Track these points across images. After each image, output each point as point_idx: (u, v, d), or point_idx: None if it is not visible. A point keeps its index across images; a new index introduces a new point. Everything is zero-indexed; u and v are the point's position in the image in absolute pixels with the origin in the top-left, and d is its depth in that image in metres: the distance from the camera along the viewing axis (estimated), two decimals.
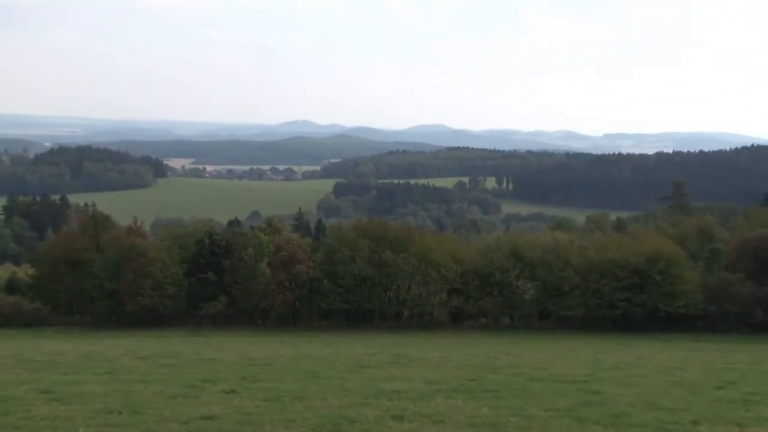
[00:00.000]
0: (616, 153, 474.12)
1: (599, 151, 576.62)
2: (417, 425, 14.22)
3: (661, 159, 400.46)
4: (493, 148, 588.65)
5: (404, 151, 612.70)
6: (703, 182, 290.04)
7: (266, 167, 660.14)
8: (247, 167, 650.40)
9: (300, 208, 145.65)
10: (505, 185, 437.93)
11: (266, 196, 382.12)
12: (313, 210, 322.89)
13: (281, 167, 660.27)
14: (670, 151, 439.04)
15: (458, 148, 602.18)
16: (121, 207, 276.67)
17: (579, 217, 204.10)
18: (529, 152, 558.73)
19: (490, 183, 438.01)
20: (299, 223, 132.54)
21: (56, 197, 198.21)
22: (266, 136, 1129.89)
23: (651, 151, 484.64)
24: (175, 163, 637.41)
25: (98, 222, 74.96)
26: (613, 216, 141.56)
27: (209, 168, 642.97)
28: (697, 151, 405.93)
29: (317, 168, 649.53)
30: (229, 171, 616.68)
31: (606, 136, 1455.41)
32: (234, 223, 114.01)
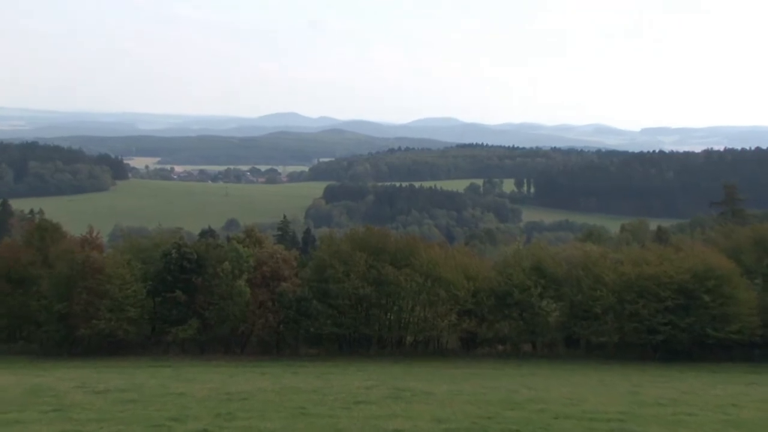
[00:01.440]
0: (657, 151, 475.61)
1: (637, 149, 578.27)
2: None
3: (711, 158, 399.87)
4: (511, 145, 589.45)
5: (407, 149, 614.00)
6: (761, 185, 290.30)
7: (245, 167, 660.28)
8: (223, 167, 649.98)
9: (285, 216, 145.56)
10: (525, 188, 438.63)
11: (245, 201, 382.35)
12: (300, 218, 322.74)
13: (263, 167, 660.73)
14: (721, 149, 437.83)
15: (471, 145, 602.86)
16: (73, 214, 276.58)
17: (613, 225, 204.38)
18: (554, 150, 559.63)
19: (508, 186, 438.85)
20: (284, 233, 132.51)
21: None
22: (245, 131, 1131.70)
23: (698, 149, 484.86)
24: (138, 162, 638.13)
25: (46, 232, 74.81)
26: (653, 224, 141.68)
27: (178, 168, 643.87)
28: (753, 148, 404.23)
29: (305, 168, 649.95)
30: (202, 172, 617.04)
31: (645, 130, 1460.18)
32: (207, 233, 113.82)
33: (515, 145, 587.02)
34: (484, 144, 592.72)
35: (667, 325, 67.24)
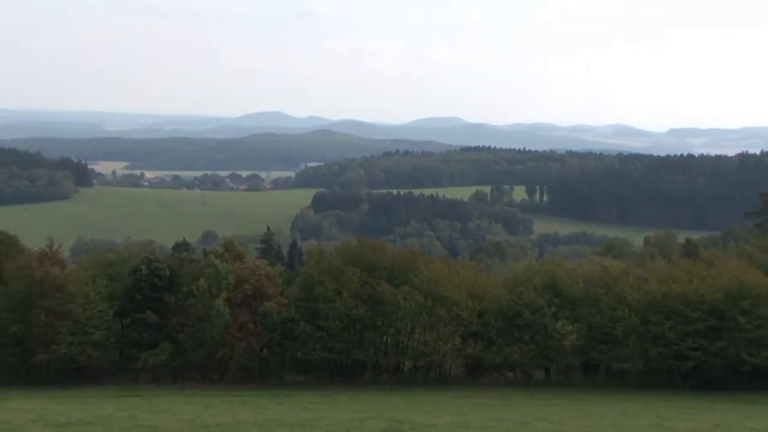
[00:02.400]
0: (686, 154, 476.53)
1: (662, 152, 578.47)
2: None
3: (746, 162, 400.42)
4: (522, 148, 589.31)
5: (406, 152, 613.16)
6: None
7: (224, 173, 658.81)
8: (199, 173, 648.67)
9: (269, 227, 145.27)
10: (538, 196, 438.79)
11: (224, 211, 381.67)
12: (285, 229, 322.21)
13: (244, 173, 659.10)
14: (758, 152, 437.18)
15: (476, 148, 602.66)
16: (31, 225, 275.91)
17: (636, 238, 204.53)
18: (570, 153, 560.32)
19: (519, 194, 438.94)
20: (268, 246, 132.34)
21: None
22: (224, 132, 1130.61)
23: (732, 152, 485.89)
24: (104, 167, 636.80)
25: (0, 246, 74.59)
26: (681, 237, 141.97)
27: (149, 174, 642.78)
28: None
29: (291, 174, 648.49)
30: (176, 178, 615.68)
31: (672, 131, 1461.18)
32: (182, 246, 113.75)
33: (526, 148, 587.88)
34: (492, 147, 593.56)
35: (697, 350, 67.17)
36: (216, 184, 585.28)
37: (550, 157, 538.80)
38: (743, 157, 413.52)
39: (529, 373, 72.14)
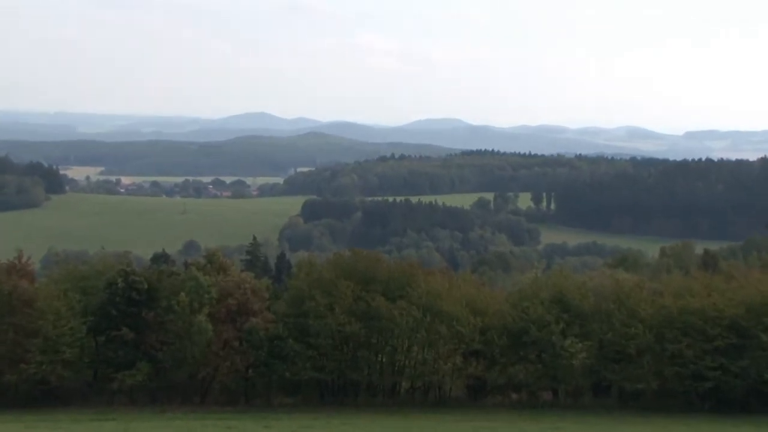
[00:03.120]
0: (704, 158, 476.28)
1: (679, 156, 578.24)
2: None
3: None
4: (527, 152, 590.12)
5: (402, 156, 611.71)
6: None
7: (207, 179, 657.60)
8: (180, 179, 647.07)
9: (255, 237, 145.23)
10: (544, 204, 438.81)
11: (207, 219, 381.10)
12: (273, 239, 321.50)
13: (228, 179, 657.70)
14: None
15: (479, 152, 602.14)
16: None
17: (651, 249, 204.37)
18: (580, 157, 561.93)
19: (524, 201, 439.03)
20: (254, 258, 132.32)
21: None
22: (207, 134, 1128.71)
23: (754, 156, 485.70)
24: (77, 172, 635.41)
25: None
26: (699, 248, 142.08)
27: (125, 180, 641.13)
28: None
29: (279, 180, 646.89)
30: (154, 184, 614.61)
31: (689, 134, 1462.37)
32: (161, 258, 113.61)
33: (532, 152, 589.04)
34: (495, 150, 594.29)
35: (716, 369, 67.17)
36: (198, 190, 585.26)
37: (557, 161, 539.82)
38: (766, 162, 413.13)
39: (535, 394, 72.06)
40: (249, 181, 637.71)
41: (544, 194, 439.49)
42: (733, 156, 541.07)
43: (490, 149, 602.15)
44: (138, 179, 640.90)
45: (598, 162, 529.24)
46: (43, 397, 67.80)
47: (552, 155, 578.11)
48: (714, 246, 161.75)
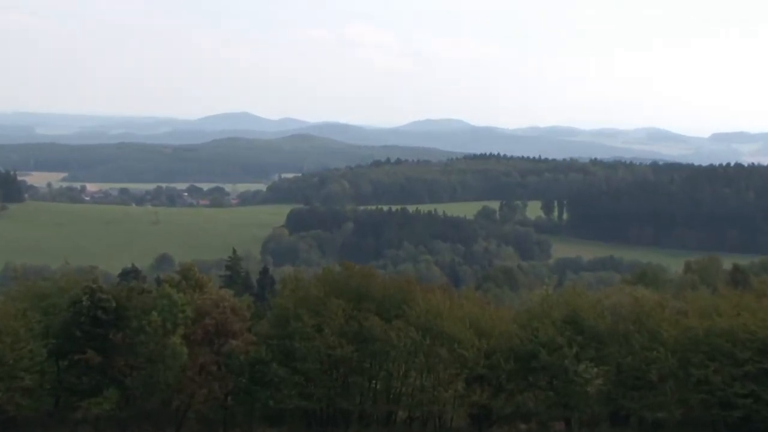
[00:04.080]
0: (732, 163, 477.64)
1: (704, 161, 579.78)
2: None
3: None
4: (537, 156, 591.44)
5: (398, 161, 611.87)
6: None
7: (182, 186, 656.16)
8: (152, 185, 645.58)
9: (235, 251, 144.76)
10: (556, 214, 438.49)
11: (181, 231, 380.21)
12: (255, 253, 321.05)
13: (205, 186, 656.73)
14: None
15: (483, 156, 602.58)
16: None
17: (673, 263, 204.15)
18: (595, 162, 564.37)
19: (534, 210, 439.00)
20: (234, 273, 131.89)
21: None
22: (183, 136, 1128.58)
23: None
24: (37, 179, 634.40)
25: None
26: (727, 262, 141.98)
27: (91, 187, 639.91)
28: None
29: (262, 187, 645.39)
30: (123, 192, 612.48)
31: (716, 136, 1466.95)
32: (130, 273, 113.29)
33: (542, 156, 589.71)
34: (501, 154, 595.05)
35: (746, 396, 67.17)
36: (172, 198, 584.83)
37: (570, 166, 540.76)
38: None
39: (546, 424, 71.89)
40: (228, 188, 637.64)
41: (556, 203, 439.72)
42: (765, 160, 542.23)
43: (496, 153, 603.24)
44: (105, 186, 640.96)
45: (615, 167, 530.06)
46: None
47: (564, 159, 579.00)
48: (744, 260, 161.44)
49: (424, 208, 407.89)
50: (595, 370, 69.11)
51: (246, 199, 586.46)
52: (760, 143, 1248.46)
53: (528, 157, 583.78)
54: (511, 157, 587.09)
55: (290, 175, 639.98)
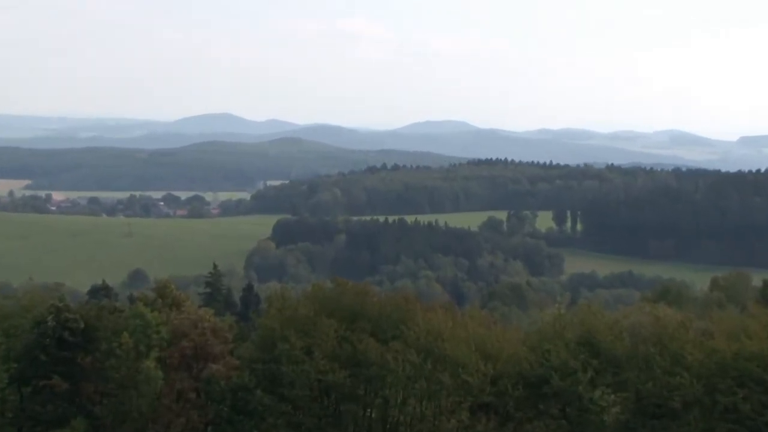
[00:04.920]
0: (762, 169, 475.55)
1: (732, 166, 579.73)
2: None
3: None
4: (548, 161, 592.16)
5: (396, 167, 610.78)
6: None
7: (157, 194, 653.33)
8: (125, 194, 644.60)
9: (216, 266, 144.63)
10: (569, 225, 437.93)
11: (157, 244, 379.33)
12: (238, 268, 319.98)
13: (183, 194, 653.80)
14: None
15: (489, 161, 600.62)
16: None
17: (698, 279, 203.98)
18: (611, 167, 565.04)
19: (544, 221, 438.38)
20: (214, 290, 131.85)
21: None
22: (158, 139, 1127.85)
23: None
24: None
25: None
26: (756, 278, 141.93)
27: (58, 196, 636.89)
28: None
29: (246, 195, 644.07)
30: (93, 201, 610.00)
31: (744, 139, 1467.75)
32: (100, 291, 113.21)
33: (553, 161, 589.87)
34: (509, 160, 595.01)
35: None
36: (146, 208, 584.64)
37: (584, 172, 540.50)
38: None
39: None
40: (209, 196, 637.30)
41: (568, 213, 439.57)
42: None
43: (502, 158, 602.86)
44: (73, 194, 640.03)
45: (633, 173, 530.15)
46: None
47: (577, 165, 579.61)
48: None
49: (424, 218, 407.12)
50: (612, 397, 69.10)
51: (228, 209, 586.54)
52: None
53: (538, 163, 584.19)
54: (520, 163, 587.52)
55: (277, 183, 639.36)
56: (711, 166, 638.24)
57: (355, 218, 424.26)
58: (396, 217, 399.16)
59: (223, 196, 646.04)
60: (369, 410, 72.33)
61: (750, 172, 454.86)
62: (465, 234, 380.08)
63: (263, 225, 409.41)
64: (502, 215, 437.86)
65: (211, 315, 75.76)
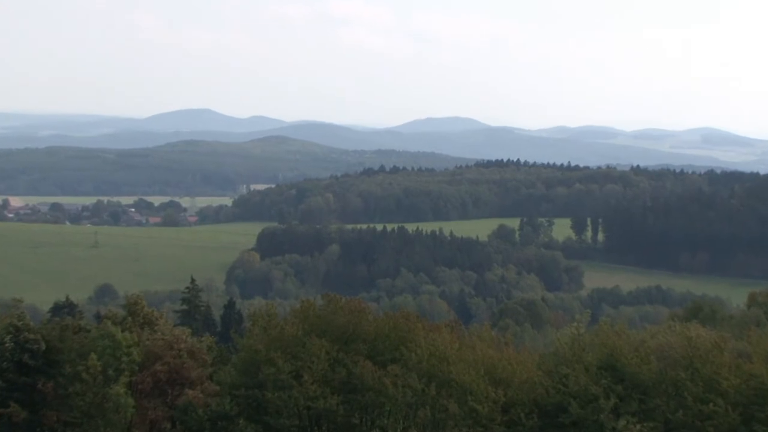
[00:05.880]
0: None
1: None
2: None
3: None
4: (565, 163, 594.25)
5: (395, 169, 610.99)
6: None
7: (128, 199, 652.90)
8: (91, 199, 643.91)
9: (193, 280, 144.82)
10: (589, 234, 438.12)
11: (127, 255, 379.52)
12: (218, 283, 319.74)
13: (157, 200, 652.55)
14: None
15: (500, 163, 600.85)
16: None
17: (735, 295, 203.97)
18: (637, 170, 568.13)
19: (562, 229, 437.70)
20: (192, 307, 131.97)
21: None
22: (128, 138, 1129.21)
23: None
24: None
25: None
26: None
27: (15, 201, 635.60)
28: None
29: (227, 201, 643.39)
30: (55, 207, 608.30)
31: None
32: (64, 308, 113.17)
33: (572, 163, 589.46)
34: (522, 161, 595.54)
35: None
36: (115, 215, 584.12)
37: (607, 175, 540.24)
38: None
39: None
40: (186, 202, 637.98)
41: (589, 221, 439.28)
42: None
43: (515, 159, 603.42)
44: (33, 200, 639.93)
45: (662, 176, 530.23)
46: None
47: (599, 167, 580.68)
48: None
49: (427, 227, 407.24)
50: (638, 426, 69.02)
51: (207, 217, 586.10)
52: None
53: (555, 164, 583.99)
54: (534, 164, 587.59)
55: (262, 187, 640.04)
56: (748, 168, 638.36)
57: (349, 227, 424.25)
58: (395, 226, 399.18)
59: (202, 201, 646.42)
60: None
61: None
62: (473, 244, 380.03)
63: (246, 234, 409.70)
64: (514, 223, 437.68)
65: (187, 335, 75.78)
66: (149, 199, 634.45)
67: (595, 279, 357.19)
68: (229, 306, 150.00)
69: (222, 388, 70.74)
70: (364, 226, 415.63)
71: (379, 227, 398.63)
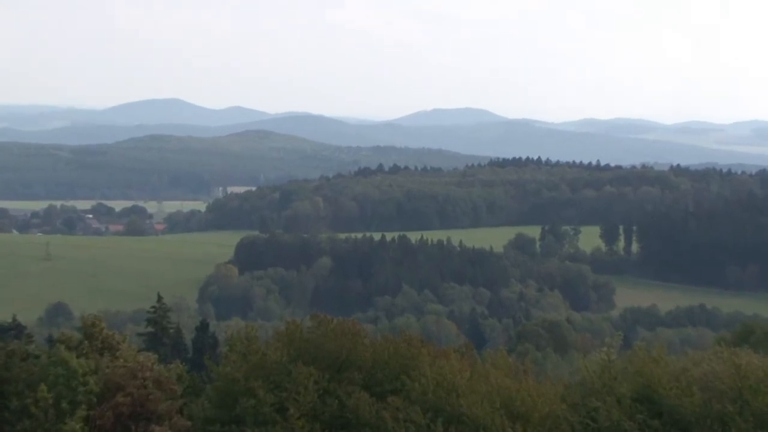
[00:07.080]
0: None
1: None
2: None
3: None
4: (593, 162, 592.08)
5: (396, 168, 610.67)
6: None
7: (85, 204, 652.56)
8: (42, 204, 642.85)
9: (161, 297, 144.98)
10: (622, 245, 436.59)
11: (84, 269, 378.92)
12: (190, 301, 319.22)
13: (118, 204, 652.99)
14: None
15: (517, 161, 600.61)
16: None
17: None
18: (677, 169, 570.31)
19: (590, 239, 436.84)
20: (159, 330, 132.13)
21: None
22: (85, 133, 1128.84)
23: None
24: None
25: None
26: None
27: None
28: None
29: (200, 205, 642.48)
30: (1, 212, 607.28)
31: None
32: (10, 331, 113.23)
33: (601, 162, 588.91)
34: (543, 159, 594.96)
35: None
36: (70, 222, 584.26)
37: (642, 176, 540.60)
38: None
39: None
40: (152, 207, 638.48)
41: (621, 228, 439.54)
42: None
43: (535, 157, 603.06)
44: None
45: (706, 177, 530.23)
46: None
47: (633, 166, 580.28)
48: None
49: (433, 236, 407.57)
50: None
51: (177, 224, 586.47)
52: None
53: (581, 163, 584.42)
54: (557, 163, 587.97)
55: (240, 189, 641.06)
56: None
57: (342, 236, 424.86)
58: (396, 235, 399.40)
59: (170, 206, 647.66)
60: None
61: None
62: (486, 256, 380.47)
63: (222, 245, 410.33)
64: (534, 232, 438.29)
65: (154, 362, 75.79)
66: (109, 203, 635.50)
67: (629, 297, 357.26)
68: (203, 328, 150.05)
69: (194, 424, 70.82)
70: (360, 236, 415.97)
71: (377, 236, 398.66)
